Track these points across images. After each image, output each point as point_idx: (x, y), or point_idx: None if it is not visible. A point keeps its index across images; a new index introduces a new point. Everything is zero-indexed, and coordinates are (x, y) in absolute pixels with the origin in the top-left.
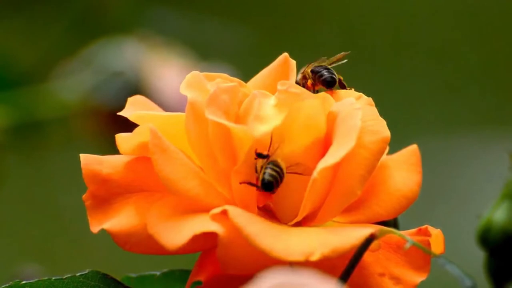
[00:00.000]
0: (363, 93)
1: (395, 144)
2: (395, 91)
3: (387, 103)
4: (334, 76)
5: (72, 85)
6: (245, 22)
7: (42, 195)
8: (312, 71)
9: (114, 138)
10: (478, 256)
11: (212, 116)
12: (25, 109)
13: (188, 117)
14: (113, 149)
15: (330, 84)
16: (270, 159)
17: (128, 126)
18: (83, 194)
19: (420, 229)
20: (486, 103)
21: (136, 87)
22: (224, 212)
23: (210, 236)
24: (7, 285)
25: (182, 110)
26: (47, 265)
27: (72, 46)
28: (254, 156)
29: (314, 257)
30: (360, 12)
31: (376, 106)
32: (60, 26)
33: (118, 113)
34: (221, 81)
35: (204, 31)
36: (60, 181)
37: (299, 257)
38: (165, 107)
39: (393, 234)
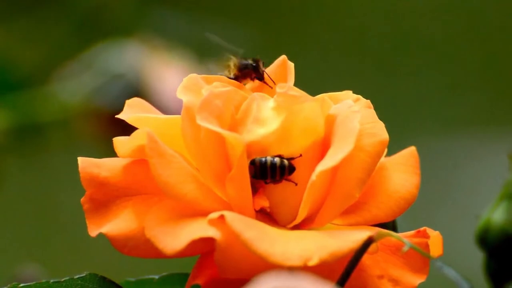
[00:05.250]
0: (362, 92)
1: (395, 144)
2: (395, 91)
3: (386, 103)
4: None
5: (73, 87)
6: (246, 23)
7: (42, 197)
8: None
9: None
10: (477, 257)
11: (203, 122)
12: (26, 112)
13: (184, 121)
14: (114, 152)
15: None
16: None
17: (129, 128)
18: (83, 195)
19: (418, 231)
20: (486, 103)
21: (137, 90)
22: (222, 217)
23: (208, 240)
24: (6, 287)
25: None
26: (46, 267)
27: (73, 48)
28: (246, 162)
29: (312, 262)
30: (360, 13)
31: (376, 106)
32: (61, 29)
33: (116, 116)
34: (218, 84)
35: (205, 32)
36: (61, 184)
37: (297, 262)
38: (166, 109)
39: (391, 236)
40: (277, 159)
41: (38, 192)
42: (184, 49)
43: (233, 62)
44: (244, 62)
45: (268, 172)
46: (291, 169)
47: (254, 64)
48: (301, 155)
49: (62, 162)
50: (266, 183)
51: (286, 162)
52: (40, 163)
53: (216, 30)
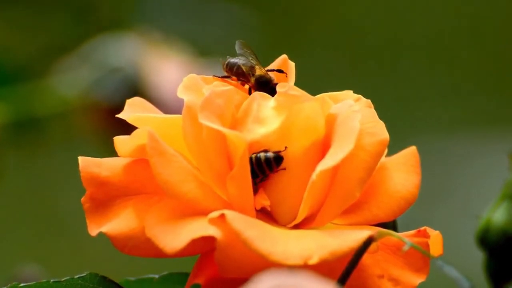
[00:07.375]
0: (362, 92)
1: (395, 144)
2: (394, 90)
3: (386, 103)
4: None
5: (71, 80)
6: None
7: (41, 193)
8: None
9: (113, 134)
10: (477, 257)
11: (205, 121)
12: (24, 105)
13: (185, 121)
14: (112, 145)
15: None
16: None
17: (127, 123)
18: (83, 192)
19: (419, 231)
20: (486, 103)
21: (135, 83)
22: (222, 216)
23: (208, 239)
24: (5, 287)
25: (181, 107)
26: (45, 267)
27: (71, 41)
28: (248, 161)
29: (313, 261)
30: (361, 12)
31: (376, 106)
32: (59, 22)
33: (117, 115)
34: (218, 84)
35: (204, 26)
36: (59, 178)
37: (298, 261)
38: (164, 103)
39: (392, 236)
40: (261, 154)
41: (36, 187)
42: (182, 42)
43: (258, 71)
44: (265, 79)
45: (256, 169)
46: (278, 159)
47: (274, 85)
48: (286, 148)
49: (61, 156)
50: (256, 183)
51: (270, 154)
52: (38, 157)
53: (215, 19)
